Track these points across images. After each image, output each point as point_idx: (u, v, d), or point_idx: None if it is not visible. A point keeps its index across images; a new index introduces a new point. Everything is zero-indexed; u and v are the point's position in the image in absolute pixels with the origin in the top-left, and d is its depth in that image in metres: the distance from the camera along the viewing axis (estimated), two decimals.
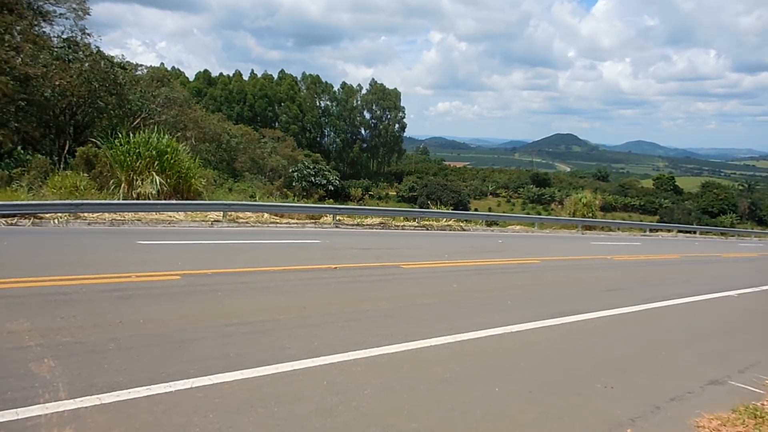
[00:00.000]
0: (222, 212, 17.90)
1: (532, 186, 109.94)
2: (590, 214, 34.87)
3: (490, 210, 77.24)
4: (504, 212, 72.49)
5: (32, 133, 26.45)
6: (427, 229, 22.81)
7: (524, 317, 8.12)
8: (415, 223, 23.44)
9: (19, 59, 22.98)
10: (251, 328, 6.34)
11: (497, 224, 28.60)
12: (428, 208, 36.48)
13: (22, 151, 25.40)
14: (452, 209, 39.45)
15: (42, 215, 14.74)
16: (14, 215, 14.24)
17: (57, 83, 24.00)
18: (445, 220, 24.95)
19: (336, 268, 10.76)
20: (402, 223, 23.23)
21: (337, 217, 20.74)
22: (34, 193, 17.41)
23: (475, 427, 4.47)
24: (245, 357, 5.39)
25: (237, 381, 4.82)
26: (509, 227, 28.55)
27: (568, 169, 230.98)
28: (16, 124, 24.14)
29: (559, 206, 64.40)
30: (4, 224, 13.81)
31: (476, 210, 72.25)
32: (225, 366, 5.10)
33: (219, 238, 14.08)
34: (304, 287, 8.94)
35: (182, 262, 10.04)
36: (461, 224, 25.24)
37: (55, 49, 25.67)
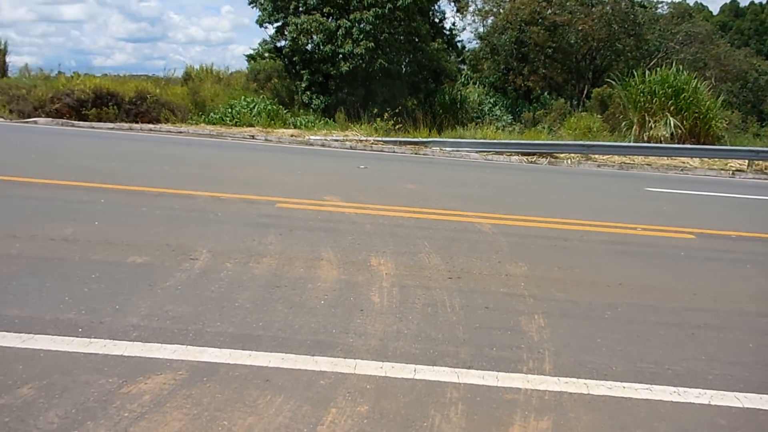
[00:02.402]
0: (747, 160, 14.56)
1: None
2: None
3: None
4: None
5: (556, 79, 27.74)
6: None
7: None
8: None
9: (550, 10, 23.94)
10: None
11: None
12: None
13: (547, 96, 27.04)
14: None
15: (557, 155, 15.00)
16: (534, 153, 14.94)
17: (580, 28, 24.10)
18: None
19: None
20: None
21: None
22: (552, 134, 18.05)
23: None
24: None
25: None
26: None
27: None
28: (543, 71, 25.65)
29: None
30: (525, 161, 14.64)
31: None
32: (756, 382, 3.42)
33: (743, 192, 11.31)
34: None
35: (697, 217, 8.22)
36: None
37: None
